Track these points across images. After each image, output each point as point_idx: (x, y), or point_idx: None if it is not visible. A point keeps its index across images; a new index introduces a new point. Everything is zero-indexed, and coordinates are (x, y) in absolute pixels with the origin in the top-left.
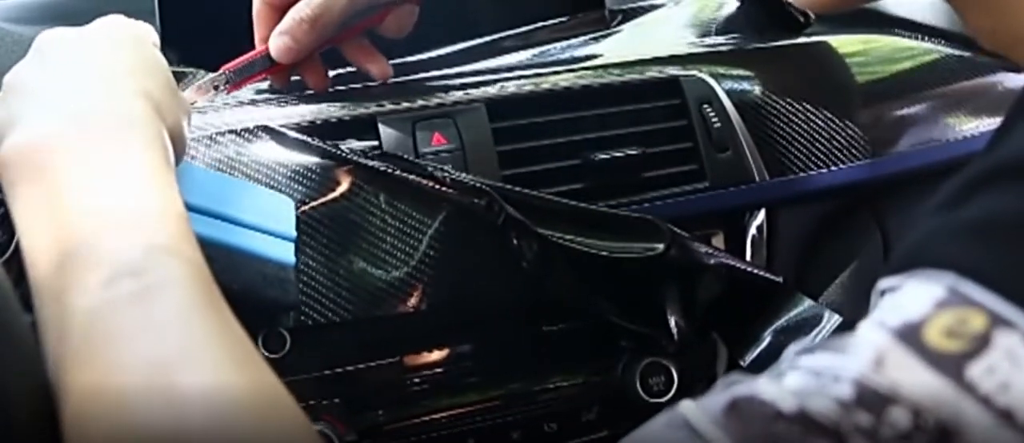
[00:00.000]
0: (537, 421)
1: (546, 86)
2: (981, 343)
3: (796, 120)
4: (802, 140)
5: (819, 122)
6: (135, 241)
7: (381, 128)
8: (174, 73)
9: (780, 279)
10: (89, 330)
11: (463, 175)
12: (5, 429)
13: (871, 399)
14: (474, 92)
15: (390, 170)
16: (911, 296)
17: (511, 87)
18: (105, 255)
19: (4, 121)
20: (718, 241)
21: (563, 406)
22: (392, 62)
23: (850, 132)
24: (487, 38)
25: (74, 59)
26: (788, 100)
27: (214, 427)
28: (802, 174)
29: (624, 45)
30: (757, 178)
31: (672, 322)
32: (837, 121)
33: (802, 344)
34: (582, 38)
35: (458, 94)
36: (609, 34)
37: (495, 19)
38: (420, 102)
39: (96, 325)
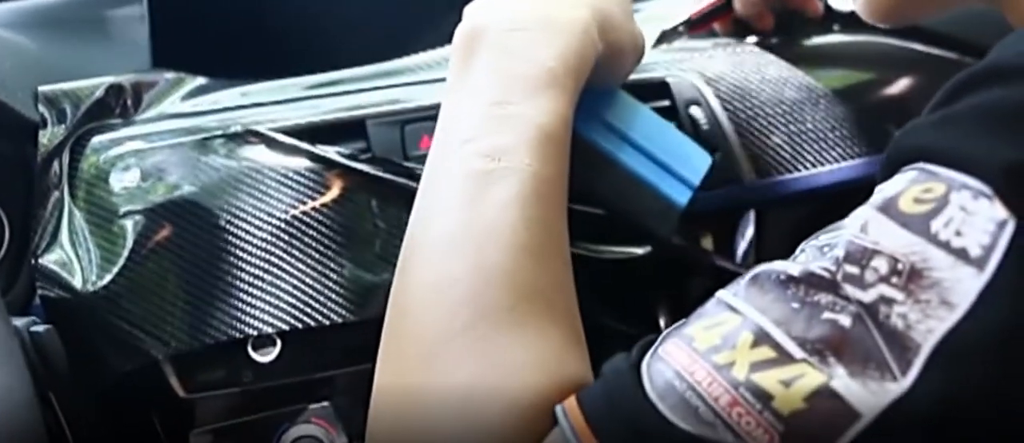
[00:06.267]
0: None
1: None
2: (941, 203)
3: (785, 121)
4: (791, 141)
5: (808, 123)
6: (504, 132)
7: (370, 130)
8: (168, 78)
9: None
10: (437, 184)
11: None
12: None
13: (858, 254)
14: None
15: (379, 174)
16: (892, 184)
17: None
18: (475, 134)
19: (471, 8)
20: (707, 242)
21: None
22: (378, 65)
23: (839, 132)
24: None
25: None
26: (777, 101)
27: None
28: (791, 175)
29: None
30: (746, 179)
31: (662, 324)
32: (826, 122)
33: (810, 239)
34: None
35: None
36: None
37: None
38: (409, 104)
39: (441, 182)
